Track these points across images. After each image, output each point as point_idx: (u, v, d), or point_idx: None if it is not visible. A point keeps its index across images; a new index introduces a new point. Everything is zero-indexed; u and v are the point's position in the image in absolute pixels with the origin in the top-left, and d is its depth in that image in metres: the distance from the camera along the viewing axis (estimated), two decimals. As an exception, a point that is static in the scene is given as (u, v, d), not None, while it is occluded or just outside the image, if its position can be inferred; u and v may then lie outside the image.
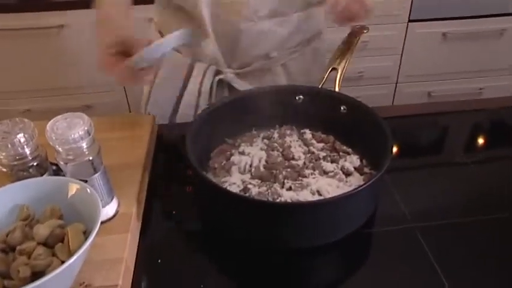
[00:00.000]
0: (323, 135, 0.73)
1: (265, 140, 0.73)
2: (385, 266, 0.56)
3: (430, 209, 0.65)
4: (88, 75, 1.72)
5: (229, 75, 0.84)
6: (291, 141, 0.71)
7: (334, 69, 0.74)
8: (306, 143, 0.71)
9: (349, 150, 0.70)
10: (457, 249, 0.58)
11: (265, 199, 0.59)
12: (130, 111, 1.83)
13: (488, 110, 0.89)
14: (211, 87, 0.84)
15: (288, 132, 0.73)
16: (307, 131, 0.73)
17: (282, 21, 0.80)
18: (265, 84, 0.81)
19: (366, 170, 0.67)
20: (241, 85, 0.84)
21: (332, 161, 0.67)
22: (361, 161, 0.68)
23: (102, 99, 1.78)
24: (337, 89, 0.73)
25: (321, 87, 0.74)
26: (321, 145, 0.71)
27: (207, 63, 0.83)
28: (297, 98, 0.74)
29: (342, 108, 0.71)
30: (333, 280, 0.57)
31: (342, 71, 0.73)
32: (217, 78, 0.83)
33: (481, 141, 0.84)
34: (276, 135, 0.73)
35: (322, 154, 0.68)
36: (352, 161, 0.67)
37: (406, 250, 0.58)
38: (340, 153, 0.69)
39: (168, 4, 0.82)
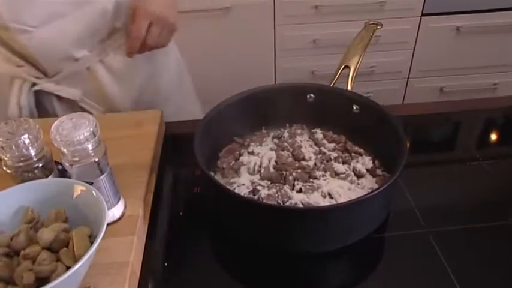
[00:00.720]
0: (334, 135, 0.71)
1: (275, 140, 0.71)
2: (397, 272, 0.55)
3: (443, 212, 0.63)
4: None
5: (45, 84, 0.78)
6: (301, 141, 0.69)
7: (346, 67, 0.72)
8: (316, 143, 0.70)
9: (361, 151, 0.68)
10: (472, 255, 0.56)
11: (275, 202, 0.58)
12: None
13: (503, 108, 0.86)
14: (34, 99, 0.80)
15: (299, 131, 0.72)
16: (318, 131, 0.72)
17: (68, 21, 0.74)
18: (90, 85, 0.77)
19: (379, 171, 0.65)
20: (65, 91, 0.80)
21: (343, 162, 0.66)
22: (373, 162, 0.66)
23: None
24: (349, 88, 0.71)
25: (333, 85, 0.72)
26: (332, 145, 0.69)
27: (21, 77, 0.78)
28: (308, 96, 0.72)
29: (354, 107, 0.69)
30: (343, 286, 0.56)
31: (355, 69, 0.71)
32: (33, 89, 0.79)
33: (495, 139, 0.81)
34: (286, 134, 0.71)
35: (334, 155, 0.66)
36: (364, 162, 0.65)
37: (419, 256, 0.56)
38: (352, 154, 0.67)
39: None
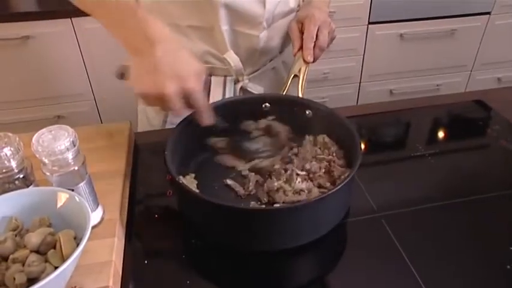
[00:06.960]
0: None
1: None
2: (358, 253, 0.62)
3: (393, 200, 0.70)
4: (57, 85, 1.71)
5: (245, 81, 0.88)
6: None
7: (295, 76, 0.79)
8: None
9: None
10: (414, 231, 0.65)
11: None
12: (101, 120, 1.83)
13: (445, 105, 0.96)
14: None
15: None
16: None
17: (285, 21, 0.87)
18: (271, 82, 0.89)
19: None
20: (255, 88, 0.90)
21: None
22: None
23: (72, 109, 1.77)
24: (300, 95, 0.77)
25: (285, 93, 0.78)
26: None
27: (222, 74, 0.86)
28: (263, 106, 0.77)
29: (307, 112, 0.74)
30: (316, 267, 0.62)
31: (303, 77, 0.78)
32: (238, 86, 0.87)
33: (439, 135, 0.90)
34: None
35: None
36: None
37: (374, 237, 0.64)
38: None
39: (176, 25, 0.82)
